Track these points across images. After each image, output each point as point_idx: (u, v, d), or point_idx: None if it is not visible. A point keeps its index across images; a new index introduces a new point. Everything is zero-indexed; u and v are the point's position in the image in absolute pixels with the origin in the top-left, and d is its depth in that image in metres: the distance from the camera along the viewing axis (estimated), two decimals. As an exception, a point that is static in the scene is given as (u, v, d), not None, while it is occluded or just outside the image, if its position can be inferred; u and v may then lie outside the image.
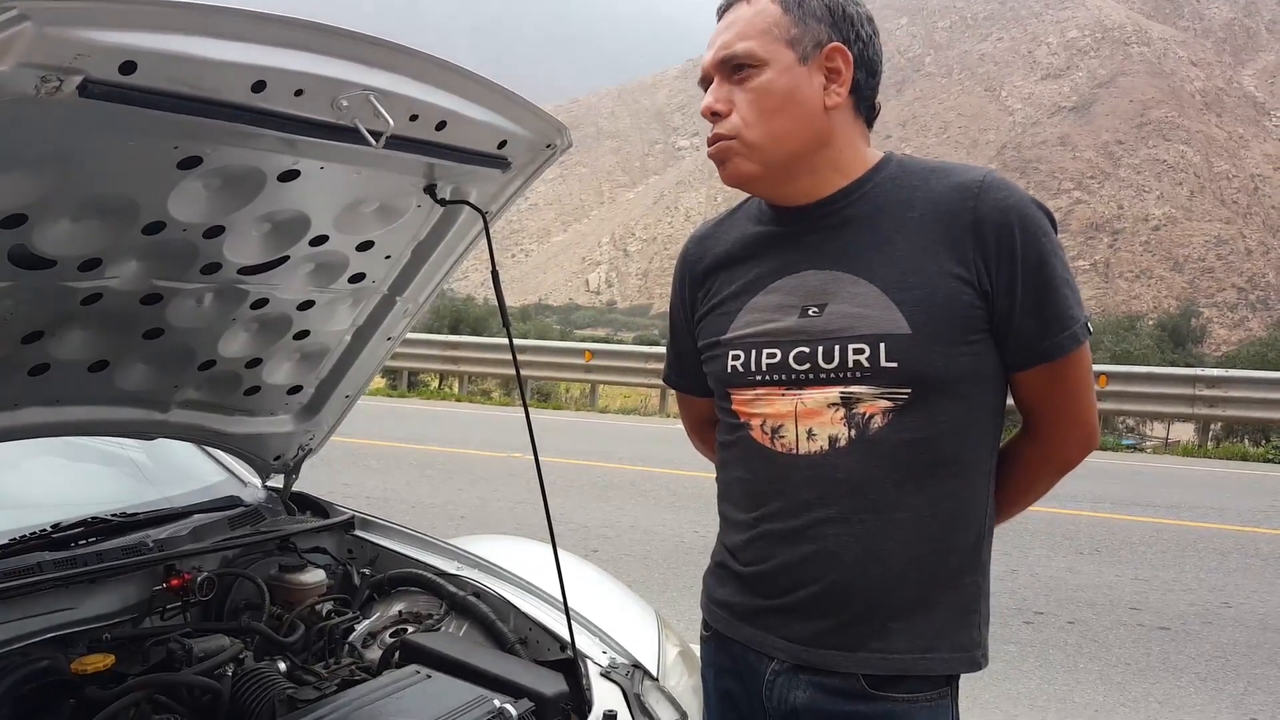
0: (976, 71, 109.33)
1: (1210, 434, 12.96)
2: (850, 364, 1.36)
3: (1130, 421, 14.54)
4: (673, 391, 1.76)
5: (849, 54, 1.39)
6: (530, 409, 1.92)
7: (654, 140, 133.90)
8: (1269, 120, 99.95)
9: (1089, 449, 1.49)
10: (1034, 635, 4.77)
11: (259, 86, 1.36)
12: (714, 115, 1.42)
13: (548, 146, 1.86)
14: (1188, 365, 17.35)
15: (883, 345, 1.35)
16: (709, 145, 1.45)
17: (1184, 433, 14.03)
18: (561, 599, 1.86)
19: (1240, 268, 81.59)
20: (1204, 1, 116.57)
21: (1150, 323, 30.73)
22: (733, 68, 1.40)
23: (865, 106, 1.45)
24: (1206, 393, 12.11)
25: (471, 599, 2.09)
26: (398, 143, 1.55)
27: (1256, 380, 12.45)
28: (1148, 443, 14.01)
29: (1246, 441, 13.38)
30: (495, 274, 1.81)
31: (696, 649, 1.71)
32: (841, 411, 1.37)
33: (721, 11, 1.44)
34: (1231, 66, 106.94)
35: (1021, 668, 4.35)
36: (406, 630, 2.00)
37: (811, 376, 1.39)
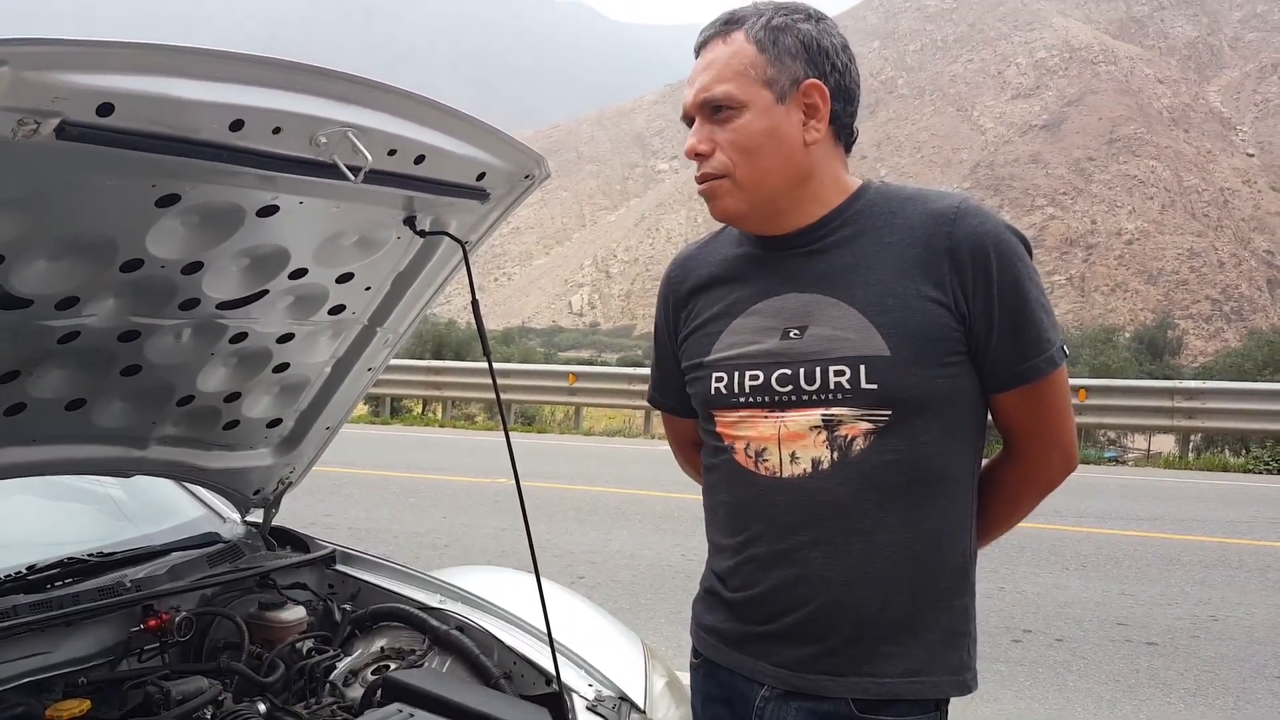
0: (948, 92, 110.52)
1: (1191, 445, 13.05)
2: (832, 385, 1.38)
3: (1111, 434, 14.63)
4: (658, 412, 1.77)
5: (825, 89, 1.40)
6: (514, 433, 1.92)
7: (634, 164, 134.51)
8: (1235, 135, 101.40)
9: (1069, 469, 1.51)
10: (1023, 654, 4.77)
11: (237, 125, 1.36)
12: (698, 156, 1.44)
13: (526, 177, 1.87)
14: (1166, 377, 17.55)
15: (863, 367, 1.36)
16: (698, 183, 1.46)
17: (1165, 444, 14.15)
18: (546, 631, 1.84)
19: (1213, 279, 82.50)
20: (1168, 20, 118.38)
21: (1127, 335, 31.03)
22: (713, 109, 1.41)
23: (844, 134, 1.47)
24: (1185, 404, 12.21)
25: (455, 633, 2.07)
26: (377, 177, 1.55)
27: (1234, 391, 12.59)
28: (1129, 455, 14.11)
29: (1227, 452, 13.49)
30: (475, 304, 1.81)
31: (684, 677, 1.70)
32: (824, 434, 1.38)
33: (699, 49, 1.45)
34: (1197, 83, 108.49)
35: (1011, 687, 4.34)
36: (389, 667, 1.98)
37: (794, 398, 1.40)
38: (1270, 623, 5.32)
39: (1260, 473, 11.81)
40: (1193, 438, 13.05)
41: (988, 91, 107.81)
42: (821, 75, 1.41)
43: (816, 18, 1.43)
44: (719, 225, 1.60)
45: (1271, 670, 4.62)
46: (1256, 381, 14.32)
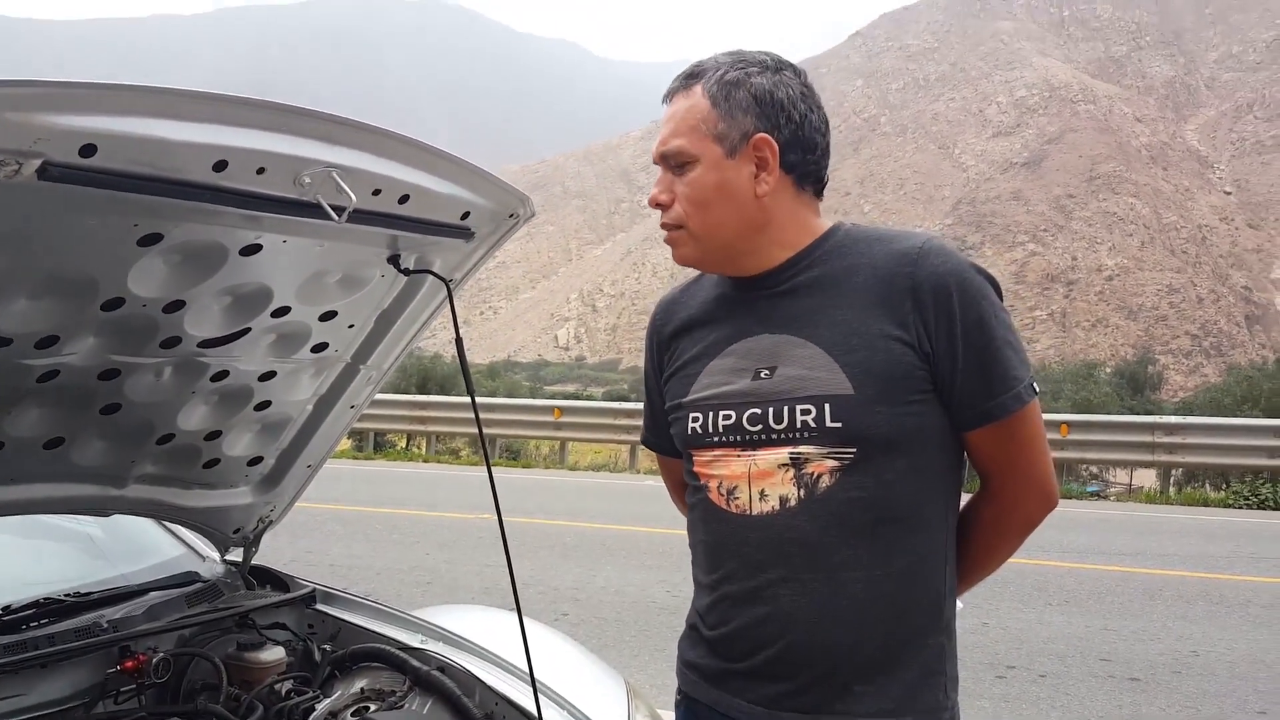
0: (930, 130, 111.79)
1: (1172, 480, 13.11)
2: (799, 424, 1.39)
3: (1093, 469, 14.69)
4: (643, 447, 1.78)
5: (774, 143, 1.43)
6: (499, 467, 1.93)
7: (620, 198, 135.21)
8: (1212, 173, 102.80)
9: (1048, 508, 1.50)
10: (1006, 690, 4.76)
11: (220, 166, 1.37)
12: (659, 205, 1.48)
13: (511, 216, 1.88)
14: (1147, 412, 17.66)
15: (828, 405, 1.38)
16: (663, 229, 1.50)
17: (1146, 479, 14.19)
18: (528, 672, 1.83)
19: (1193, 315, 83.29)
20: (1145, 60, 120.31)
21: (1108, 371, 31.23)
22: (673, 161, 1.46)
23: (809, 180, 1.48)
24: (1165, 439, 12.28)
25: (436, 674, 2.05)
26: (361, 216, 1.56)
27: (1214, 426, 12.68)
28: (1111, 490, 14.15)
29: (1208, 487, 13.55)
30: (460, 343, 1.82)
31: (667, 715, 1.69)
32: (791, 472, 1.40)
33: (665, 100, 1.50)
34: (1174, 122, 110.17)
35: (994, 724, 4.32)
36: (368, 709, 1.95)
37: (764, 437, 1.42)
38: (1251, 658, 5.32)
39: (1240, 507, 11.86)
40: (1173, 473, 13.12)
41: (969, 129, 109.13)
42: (775, 127, 1.43)
43: (775, 68, 1.46)
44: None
45: (1253, 705, 4.61)
46: (1236, 417, 14.43)
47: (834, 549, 1.38)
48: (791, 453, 1.40)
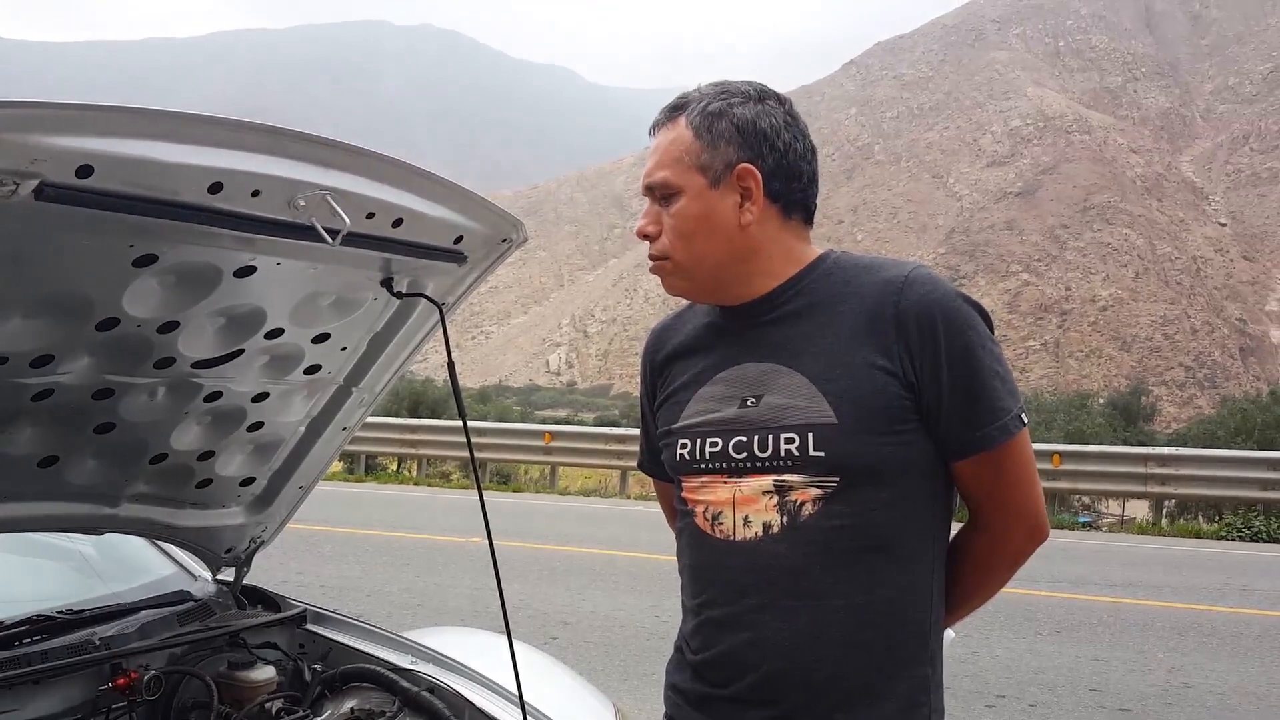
0: (924, 159, 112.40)
1: (1164, 511, 13.11)
2: (783, 453, 1.40)
3: (1085, 499, 14.69)
4: (634, 472, 1.79)
5: (758, 173, 1.43)
6: (489, 491, 1.93)
7: (612, 224, 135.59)
8: (1207, 204, 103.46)
9: (1038, 540, 1.49)
10: (996, 719, 4.74)
11: (216, 188, 1.39)
12: (645, 237, 1.49)
13: (504, 241, 1.90)
14: (1140, 443, 17.64)
15: (811, 435, 1.38)
16: (650, 260, 1.51)
17: (1139, 510, 14.18)
18: (517, 694, 1.83)
19: (1187, 347, 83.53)
20: (1141, 91, 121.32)
21: (1101, 401, 31.23)
22: (659, 193, 1.47)
23: (796, 209, 1.49)
24: (1158, 470, 12.29)
25: (425, 695, 2.06)
26: (355, 239, 1.58)
27: (1207, 458, 12.67)
28: (1103, 520, 14.14)
29: (1200, 518, 13.55)
30: (452, 367, 1.83)
31: (655, 740, 1.70)
32: (775, 498, 1.40)
33: (651, 132, 1.51)
34: (1169, 153, 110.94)
35: (984, 753, 4.31)
36: (358, 728, 1.96)
37: (749, 465, 1.43)
38: (1242, 689, 5.32)
39: (1233, 539, 11.86)
40: (1166, 504, 13.12)
41: (963, 159, 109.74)
42: (758, 157, 1.44)
43: (758, 98, 1.47)
44: None
45: (1244, 738, 4.61)
46: (1229, 449, 14.44)
47: (816, 576, 1.39)
48: (775, 480, 1.40)
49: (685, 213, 1.45)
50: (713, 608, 1.46)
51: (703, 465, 1.47)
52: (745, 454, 1.43)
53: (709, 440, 1.47)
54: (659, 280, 1.53)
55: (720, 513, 1.45)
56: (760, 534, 1.41)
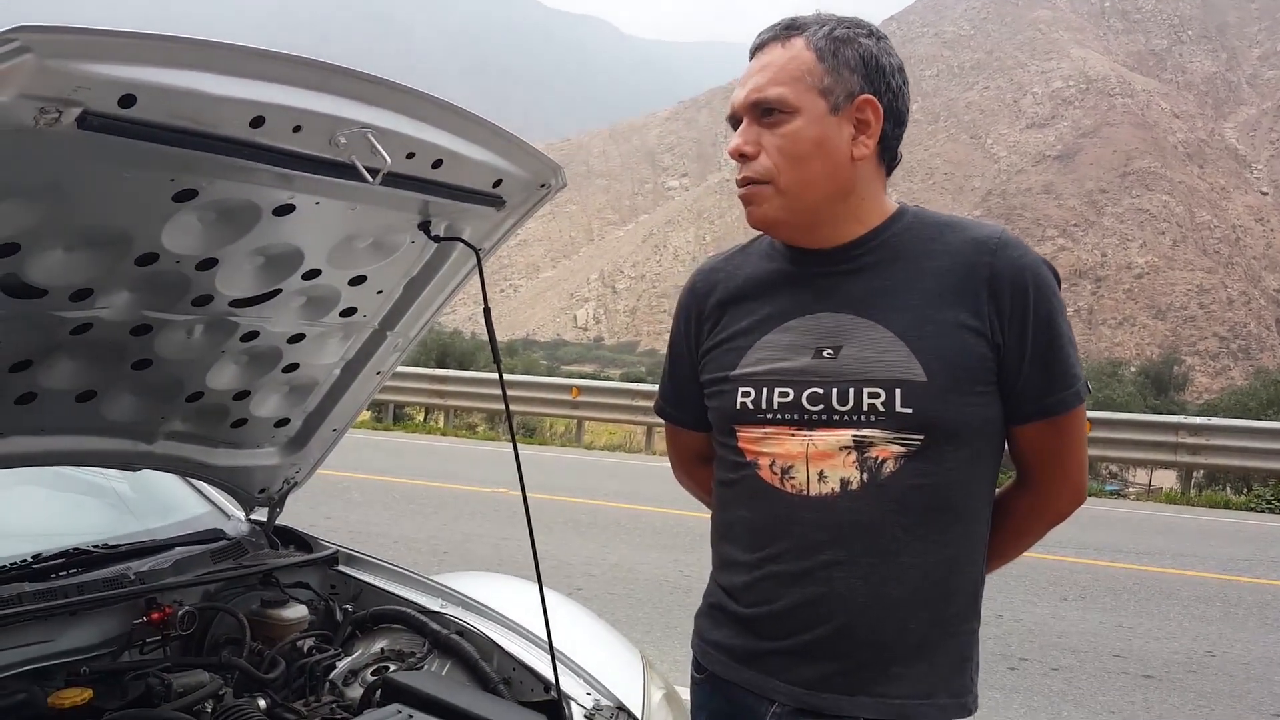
0: (962, 119, 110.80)
1: (1193, 481, 13.00)
2: (865, 407, 1.37)
3: (1114, 468, 14.59)
4: (660, 429, 1.77)
5: (879, 106, 1.40)
6: (517, 445, 1.92)
7: (644, 180, 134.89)
8: (1250, 172, 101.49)
9: (1078, 503, 1.51)
10: (1018, 681, 4.75)
11: (258, 122, 1.37)
12: (742, 157, 1.42)
13: (542, 186, 1.88)
14: (1170, 413, 17.50)
15: (899, 391, 1.36)
16: (739, 185, 1.45)
17: (1167, 480, 14.08)
18: (546, 639, 1.84)
19: (1222, 317, 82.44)
20: (1186, 55, 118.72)
21: (1133, 370, 30.95)
22: (763, 111, 1.40)
23: (888, 156, 1.46)
24: (1189, 440, 12.16)
25: (455, 637, 2.07)
26: (394, 180, 1.57)
27: (1238, 429, 12.52)
28: (1130, 489, 14.05)
29: (1229, 489, 13.43)
30: (488, 311, 1.81)
31: (681, 690, 1.70)
32: (854, 454, 1.38)
33: (755, 50, 1.44)
34: (1213, 119, 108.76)
35: (1006, 715, 4.32)
36: (388, 668, 1.98)
37: (824, 418, 1.39)
38: (1267, 659, 5.29)
39: (1262, 511, 11.74)
40: (1195, 474, 13.00)
41: (1002, 120, 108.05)
42: (877, 93, 1.40)
43: (878, 36, 1.43)
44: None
45: (1267, 708, 4.59)
46: (1261, 420, 14.27)
47: (894, 535, 1.38)
48: (855, 435, 1.38)
49: (800, 135, 1.38)
50: (777, 562, 1.43)
51: (769, 416, 1.43)
52: (822, 406, 1.39)
53: (778, 389, 1.42)
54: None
55: (791, 466, 1.41)
56: (838, 490, 1.39)
